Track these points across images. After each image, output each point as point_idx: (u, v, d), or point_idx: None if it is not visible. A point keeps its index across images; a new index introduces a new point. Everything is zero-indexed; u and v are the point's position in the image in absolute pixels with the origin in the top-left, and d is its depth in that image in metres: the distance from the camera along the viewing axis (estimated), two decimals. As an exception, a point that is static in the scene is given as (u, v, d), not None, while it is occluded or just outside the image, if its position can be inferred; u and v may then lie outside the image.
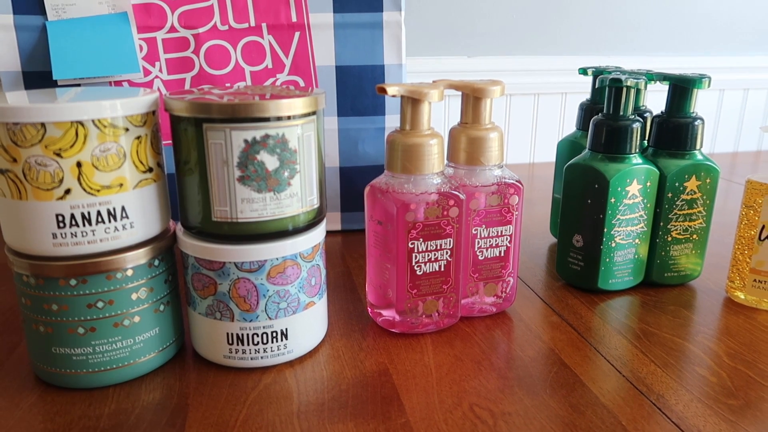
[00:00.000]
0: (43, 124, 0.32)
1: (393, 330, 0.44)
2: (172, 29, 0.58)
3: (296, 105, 0.35)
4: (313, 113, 0.37)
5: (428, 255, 0.41)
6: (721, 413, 0.35)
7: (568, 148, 0.59)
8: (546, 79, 0.97)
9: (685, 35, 1.02)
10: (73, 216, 0.34)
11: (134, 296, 0.37)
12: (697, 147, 0.49)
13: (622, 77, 0.46)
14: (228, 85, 0.60)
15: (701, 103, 1.05)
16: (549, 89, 0.98)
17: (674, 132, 0.49)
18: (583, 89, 0.98)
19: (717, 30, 1.03)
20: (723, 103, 1.07)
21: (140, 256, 0.36)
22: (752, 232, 0.46)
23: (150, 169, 0.37)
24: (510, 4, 0.94)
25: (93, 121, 0.33)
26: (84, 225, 0.34)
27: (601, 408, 0.35)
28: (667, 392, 0.37)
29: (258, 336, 0.38)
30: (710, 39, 1.03)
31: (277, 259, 0.37)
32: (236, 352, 0.39)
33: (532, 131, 1.00)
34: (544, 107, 0.99)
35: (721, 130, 1.09)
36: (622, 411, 0.35)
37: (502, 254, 0.45)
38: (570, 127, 1.01)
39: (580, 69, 0.58)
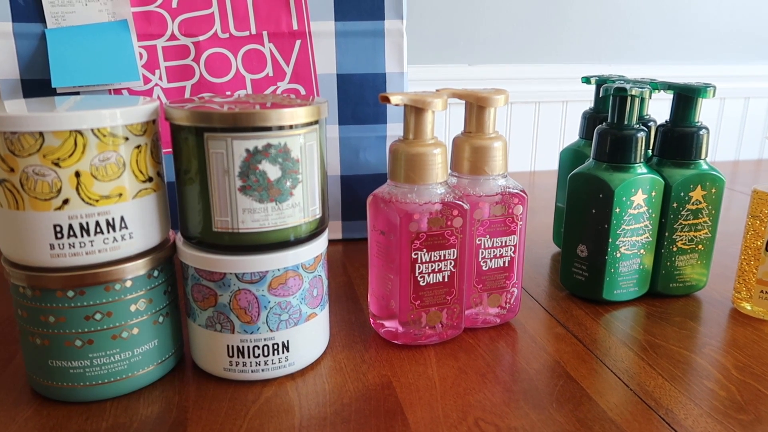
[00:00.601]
0: (41, 134, 0.32)
1: (396, 342, 0.43)
2: (173, 37, 0.57)
3: (299, 114, 0.35)
4: (316, 122, 0.37)
5: (432, 266, 0.41)
6: (732, 428, 0.34)
7: (571, 157, 0.58)
8: (547, 87, 0.97)
9: (686, 44, 1.02)
10: (71, 226, 0.33)
11: (133, 308, 0.36)
12: (702, 156, 0.48)
13: (627, 86, 0.46)
14: (228, 93, 0.59)
15: (702, 112, 1.05)
16: (550, 98, 0.98)
17: (679, 141, 0.48)
18: (584, 98, 0.97)
19: (718, 39, 1.03)
20: (724, 111, 1.07)
21: (139, 267, 0.36)
22: (759, 243, 0.46)
23: (150, 179, 0.36)
24: (511, 12, 0.94)
25: (92, 130, 0.33)
26: (82, 236, 0.34)
27: (609, 423, 0.34)
28: (676, 406, 0.36)
29: (259, 348, 0.38)
30: (711, 48, 1.03)
31: (278, 270, 0.37)
32: (237, 365, 0.38)
33: (533, 140, 1.00)
34: (545, 116, 0.99)
35: (722, 139, 1.09)
36: (630, 426, 0.34)
37: (506, 264, 0.45)
38: (571, 135, 1.01)
39: (583, 78, 0.58)
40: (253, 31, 0.59)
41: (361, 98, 0.62)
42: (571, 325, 0.46)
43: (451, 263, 0.41)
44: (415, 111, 0.39)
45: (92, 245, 0.34)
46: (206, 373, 0.39)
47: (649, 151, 0.51)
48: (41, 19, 0.55)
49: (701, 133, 0.48)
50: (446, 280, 0.42)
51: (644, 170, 0.47)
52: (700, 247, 0.50)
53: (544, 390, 0.38)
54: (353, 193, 0.64)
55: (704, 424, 0.34)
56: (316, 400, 0.37)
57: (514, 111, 0.98)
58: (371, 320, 0.45)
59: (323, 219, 0.39)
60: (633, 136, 0.46)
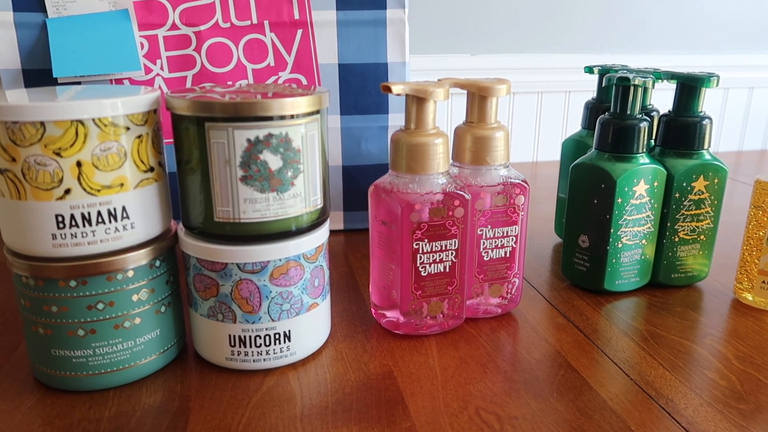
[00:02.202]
0: (42, 123, 0.32)
1: (397, 331, 0.43)
2: (174, 27, 0.57)
3: (300, 104, 0.35)
4: (317, 112, 0.36)
5: (433, 256, 0.41)
6: (732, 418, 0.34)
7: (574, 147, 0.58)
8: (550, 77, 0.97)
9: (690, 33, 1.01)
10: (73, 216, 0.34)
11: (135, 297, 0.36)
12: (705, 146, 0.48)
13: (630, 76, 0.45)
14: (230, 83, 0.59)
15: (705, 102, 1.05)
16: (552, 87, 0.97)
17: (682, 131, 0.48)
18: (587, 87, 0.97)
19: (722, 28, 1.02)
20: (727, 101, 1.06)
21: (141, 257, 0.36)
22: (761, 233, 0.46)
23: (151, 169, 0.36)
24: (513, 1, 0.93)
25: (93, 119, 0.33)
26: (84, 225, 0.34)
27: (609, 412, 0.35)
28: (677, 396, 0.36)
29: (260, 338, 0.38)
30: (715, 37, 1.03)
31: (280, 260, 0.37)
32: (238, 354, 0.38)
33: (535, 130, 1.00)
34: (547, 106, 0.99)
35: (725, 129, 1.09)
36: (630, 415, 0.34)
37: (508, 255, 0.45)
38: (573, 125, 1.00)
39: (586, 67, 0.58)
40: (255, 21, 0.58)
41: (362, 88, 0.61)
42: (573, 315, 0.46)
43: (452, 253, 0.41)
44: (416, 101, 0.39)
45: (94, 235, 0.34)
46: (208, 363, 0.40)
47: (652, 141, 0.51)
48: (42, 8, 0.55)
49: (704, 123, 0.48)
50: (447, 270, 0.42)
51: (647, 160, 0.47)
52: (702, 237, 0.50)
53: (544, 379, 0.38)
54: (354, 183, 0.64)
55: (704, 414, 0.34)
56: (318, 390, 0.37)
57: (516, 101, 0.97)
58: (372, 310, 0.45)
59: (325, 209, 0.39)
60: (636, 126, 0.46)
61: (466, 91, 0.43)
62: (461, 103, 0.94)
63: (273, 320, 0.38)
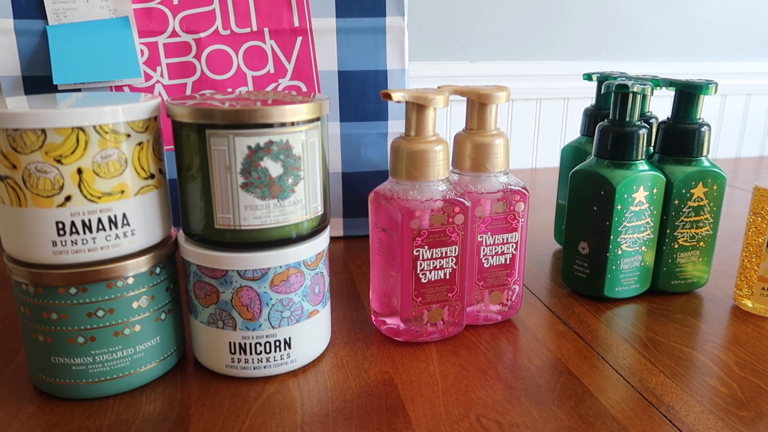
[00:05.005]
0: (43, 130, 0.32)
1: (397, 339, 0.43)
2: (174, 34, 0.57)
3: (300, 111, 0.35)
4: (318, 119, 0.37)
5: (433, 263, 0.41)
6: (733, 425, 0.34)
7: (573, 154, 0.58)
8: (548, 84, 0.97)
9: (688, 41, 1.02)
10: (73, 223, 0.34)
11: (135, 305, 0.36)
12: (704, 153, 0.48)
13: (629, 83, 0.46)
14: (230, 90, 0.59)
15: (703, 109, 1.05)
16: (551, 94, 0.98)
17: (681, 138, 0.48)
18: (585, 95, 0.97)
19: (720, 35, 1.03)
20: (725, 108, 1.07)
21: (141, 264, 0.36)
22: (760, 240, 0.46)
23: (152, 176, 0.36)
24: (512, 9, 0.94)
25: (94, 127, 0.33)
26: (84, 232, 0.34)
27: (610, 419, 0.34)
28: (678, 403, 0.36)
29: (261, 345, 0.38)
30: (713, 44, 1.03)
31: (280, 267, 0.37)
32: (239, 362, 0.38)
33: (534, 137, 1.00)
34: (546, 112, 0.99)
35: (723, 136, 1.09)
36: (632, 423, 0.34)
37: (508, 262, 0.45)
38: (572, 132, 1.01)
39: (584, 74, 0.58)
40: (255, 28, 0.58)
41: (362, 95, 0.61)
42: (573, 322, 0.46)
43: (452, 260, 0.41)
44: (416, 108, 0.39)
45: (94, 242, 0.34)
46: (208, 370, 0.39)
47: (651, 148, 0.51)
48: (42, 15, 0.55)
49: (703, 130, 0.48)
50: (448, 277, 0.42)
51: (646, 167, 0.47)
52: (701, 244, 0.50)
53: (545, 387, 0.38)
54: (355, 190, 0.64)
55: (705, 421, 0.34)
56: (318, 397, 0.37)
57: (515, 108, 0.98)
58: (373, 317, 0.45)
59: (325, 216, 0.39)
60: (634, 133, 0.46)
61: (465, 98, 0.43)
62: (461, 110, 0.94)
63: (273, 327, 0.38)
